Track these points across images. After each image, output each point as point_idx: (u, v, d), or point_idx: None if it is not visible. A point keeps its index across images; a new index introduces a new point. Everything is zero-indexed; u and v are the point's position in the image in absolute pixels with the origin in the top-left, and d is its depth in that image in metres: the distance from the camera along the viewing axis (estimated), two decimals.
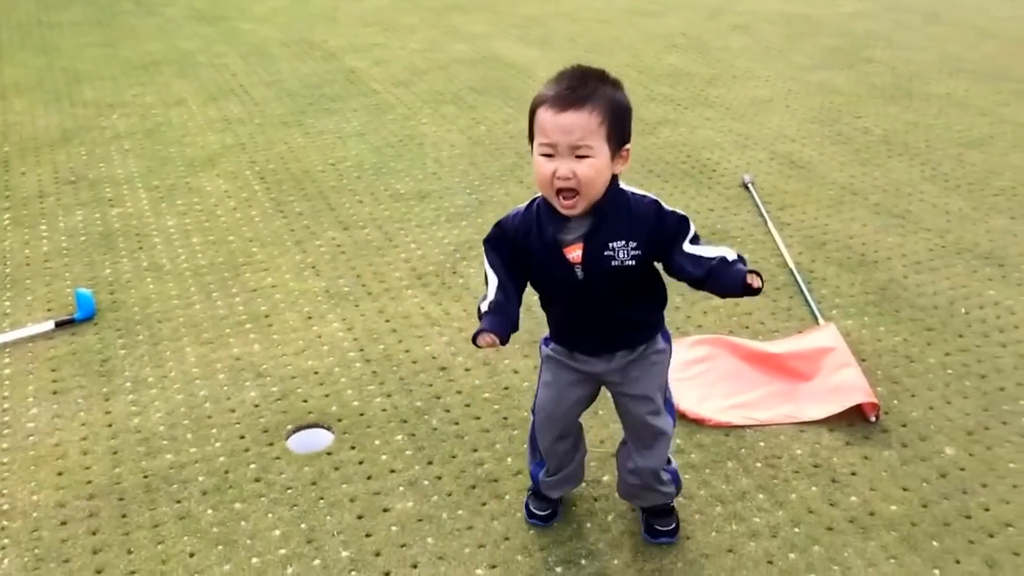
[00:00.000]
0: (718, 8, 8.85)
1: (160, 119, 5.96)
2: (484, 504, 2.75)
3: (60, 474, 2.88)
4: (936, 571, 2.51)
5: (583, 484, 2.79)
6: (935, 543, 2.60)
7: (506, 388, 3.26)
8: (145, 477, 2.85)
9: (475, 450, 2.97)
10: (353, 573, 2.51)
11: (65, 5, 9.35)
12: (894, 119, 5.75)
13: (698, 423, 3.07)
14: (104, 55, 7.50)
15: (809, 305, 3.72)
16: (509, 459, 2.92)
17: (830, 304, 3.74)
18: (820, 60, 7.06)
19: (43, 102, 6.31)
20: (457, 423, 3.09)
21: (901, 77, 6.59)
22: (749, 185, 4.80)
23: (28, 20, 8.76)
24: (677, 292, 3.80)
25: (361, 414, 3.14)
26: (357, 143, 5.53)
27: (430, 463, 2.91)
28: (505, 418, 3.11)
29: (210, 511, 2.72)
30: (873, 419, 3.06)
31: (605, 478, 2.83)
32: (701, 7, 8.92)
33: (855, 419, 3.07)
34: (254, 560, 2.55)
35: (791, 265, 4.01)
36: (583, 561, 2.55)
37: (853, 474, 2.85)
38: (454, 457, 2.94)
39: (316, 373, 3.34)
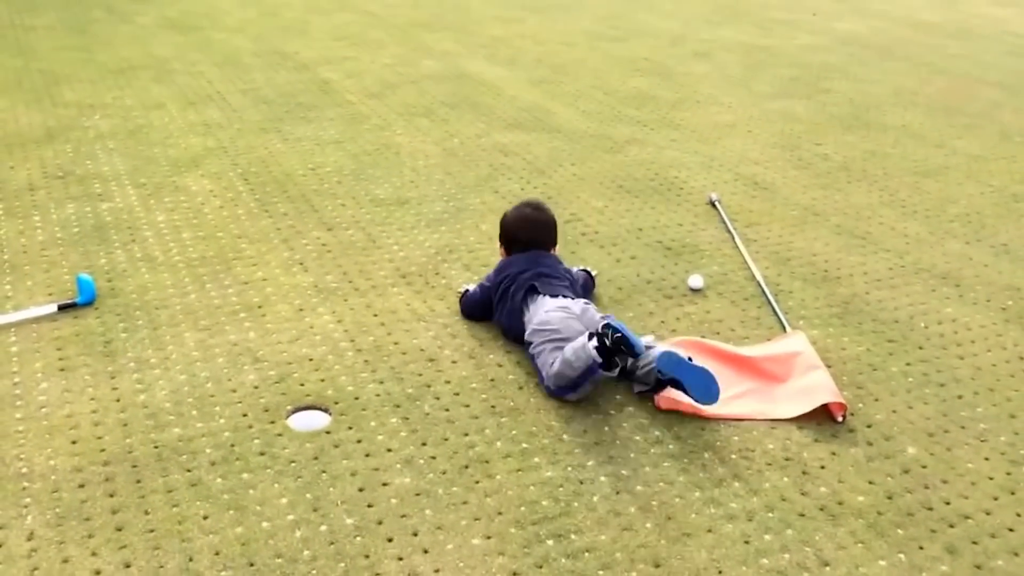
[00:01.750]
0: (679, 36, 9.18)
1: (141, 121, 6.08)
2: (477, 482, 2.93)
3: (74, 442, 3.01)
4: (901, 555, 2.73)
5: (568, 468, 2.99)
6: (900, 531, 2.82)
7: (492, 380, 3.44)
8: (156, 448, 3.00)
9: (466, 434, 3.15)
10: (358, 538, 2.67)
11: (38, 10, 9.41)
12: (852, 147, 6.06)
13: (676, 413, 3.28)
14: (80, 59, 7.59)
15: (777, 315, 3.96)
16: (499, 443, 3.10)
17: (796, 315, 3.98)
18: (780, 89, 7.39)
19: (24, 102, 6.39)
20: (447, 409, 3.27)
21: (858, 108, 6.93)
22: (716, 203, 5.05)
23: (1, 23, 8.81)
24: (651, 300, 4.04)
25: (356, 398, 3.30)
26: (335, 150, 5.70)
27: (424, 444, 3.09)
28: (493, 407, 3.29)
29: (220, 479, 2.87)
30: (840, 419, 3.29)
31: (590, 463, 3.03)
32: (662, 34, 9.24)
33: (823, 418, 3.29)
34: (264, 524, 2.70)
35: (759, 277, 4.25)
36: (572, 536, 2.73)
37: (822, 468, 3.07)
38: (446, 439, 3.12)
39: (311, 360, 3.50)
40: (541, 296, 3.59)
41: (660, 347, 3.33)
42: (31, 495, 2.78)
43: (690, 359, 3.24)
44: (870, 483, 3.01)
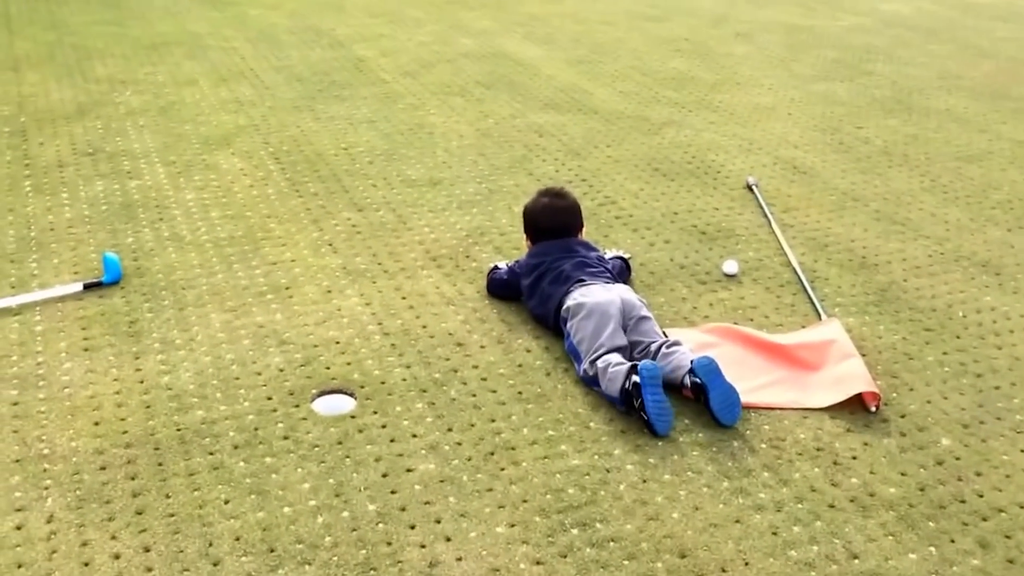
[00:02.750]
0: (721, 16, 9.07)
1: (173, 98, 6.11)
2: (503, 469, 2.91)
3: (97, 424, 3.03)
4: (932, 548, 2.69)
5: (595, 456, 2.97)
6: (931, 523, 2.78)
7: (520, 365, 3.42)
8: (178, 430, 3.01)
9: (492, 420, 3.13)
10: (380, 525, 2.67)
11: None
12: (894, 131, 5.96)
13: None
14: (113, 33, 7.63)
15: (812, 302, 3.90)
16: (525, 430, 3.09)
17: (832, 303, 3.92)
18: (821, 71, 7.28)
19: (55, 76, 6.44)
20: (474, 395, 3.26)
21: (901, 91, 6.81)
22: (753, 187, 4.99)
23: None
24: (684, 285, 4.00)
25: (382, 382, 3.30)
26: (368, 130, 5.68)
27: (450, 430, 3.08)
28: (520, 392, 3.28)
29: (242, 463, 2.88)
30: (873, 409, 3.25)
31: (616, 451, 3.00)
32: (704, 14, 9.14)
33: (856, 408, 3.25)
34: (286, 509, 2.71)
35: (794, 264, 4.19)
36: (598, 525, 2.71)
37: (854, 458, 3.03)
38: (472, 426, 3.10)
39: (337, 343, 3.50)
40: (581, 284, 3.56)
41: (686, 351, 3.30)
42: (52, 477, 2.80)
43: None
44: (902, 474, 2.97)
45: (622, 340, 3.36)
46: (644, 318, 3.46)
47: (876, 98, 6.64)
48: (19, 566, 2.49)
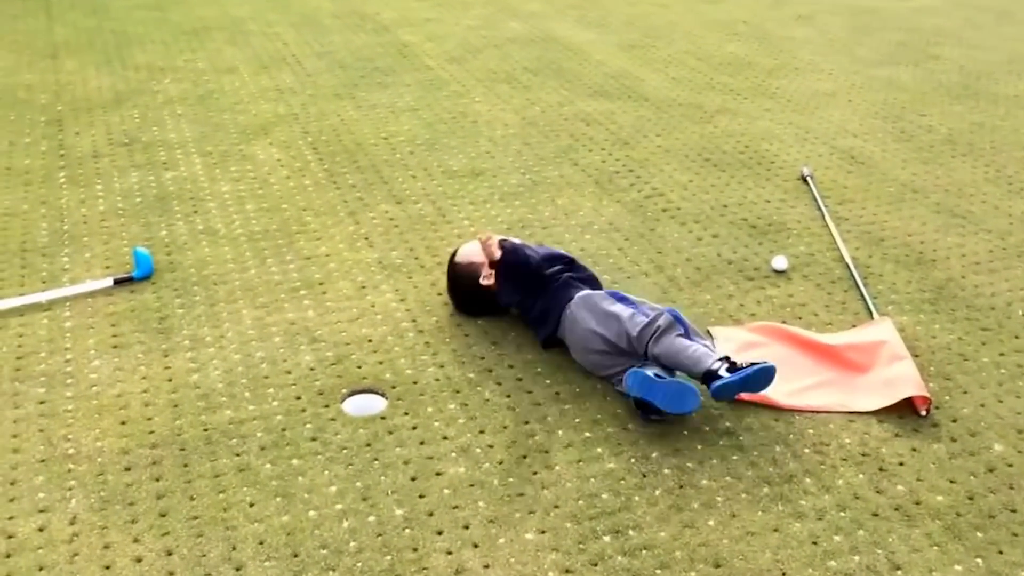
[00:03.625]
0: None
1: (212, 86, 6.19)
2: (535, 473, 2.93)
3: (123, 423, 3.09)
4: (979, 560, 2.66)
5: (632, 459, 2.97)
6: (979, 534, 2.75)
7: (557, 365, 3.43)
8: (205, 430, 3.07)
9: (526, 422, 3.15)
10: (407, 530, 2.70)
11: None
12: (959, 118, 5.86)
13: (749, 403, 3.23)
14: (154, 19, 7.75)
15: (864, 300, 3.86)
16: (560, 432, 3.10)
17: (885, 300, 3.88)
18: (885, 55, 7.17)
19: (94, 63, 6.56)
20: (509, 395, 3.27)
21: (969, 76, 6.69)
22: (808, 178, 4.94)
23: None
24: (731, 281, 3.98)
25: (414, 382, 3.33)
26: (410, 118, 5.71)
27: (482, 432, 3.10)
28: (557, 393, 3.29)
29: (268, 465, 2.92)
30: (924, 413, 3.21)
31: (654, 454, 3.00)
32: None
33: (905, 412, 3.21)
34: (311, 513, 2.75)
35: (847, 260, 4.15)
36: (631, 532, 2.72)
37: (901, 464, 3.00)
38: (505, 427, 3.12)
39: (370, 341, 3.54)
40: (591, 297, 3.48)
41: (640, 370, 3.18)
42: (76, 478, 2.87)
43: (658, 376, 3.09)
44: (951, 482, 2.93)
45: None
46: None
47: (942, 83, 6.53)
48: (40, 568, 2.56)
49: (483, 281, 3.66)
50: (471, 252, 3.73)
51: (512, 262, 3.61)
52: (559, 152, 5.26)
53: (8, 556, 2.60)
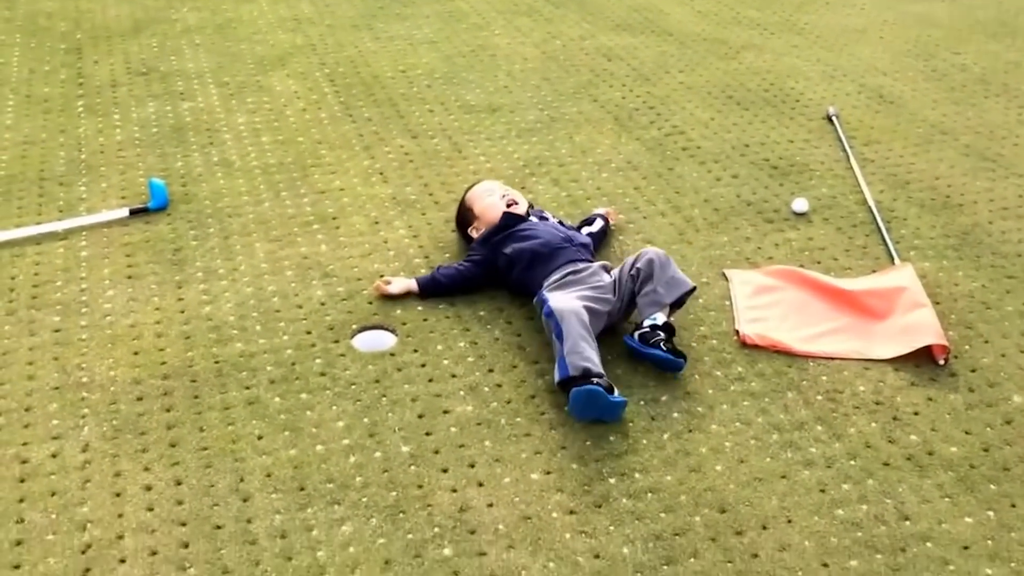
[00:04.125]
0: None
1: (231, 14, 6.15)
2: (543, 413, 2.95)
3: (136, 353, 3.14)
4: (990, 512, 2.66)
5: (641, 402, 2.99)
6: (992, 486, 2.75)
7: None
8: (216, 363, 3.10)
9: (536, 362, 3.16)
10: (413, 467, 2.73)
11: None
12: (995, 57, 5.76)
13: (763, 348, 3.23)
14: None
15: (886, 244, 3.83)
16: None
17: (908, 245, 3.85)
18: None
19: None
20: (519, 335, 3.29)
21: (1007, 12, 6.55)
22: (833, 118, 4.88)
23: None
24: (749, 223, 3.96)
25: (425, 319, 3.34)
26: (428, 51, 5.67)
27: (491, 371, 3.12)
28: None
29: (278, 399, 2.96)
30: (942, 362, 3.20)
31: (663, 398, 3.02)
32: None
33: (923, 360, 3.20)
34: (319, 447, 2.79)
35: (871, 203, 4.11)
36: (637, 475, 2.74)
37: (915, 414, 3.00)
38: (515, 367, 3.14)
39: (381, 276, 3.55)
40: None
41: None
42: (89, 406, 2.92)
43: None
44: (966, 433, 2.93)
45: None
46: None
47: (979, 20, 6.40)
48: (52, 494, 2.62)
49: (471, 232, 3.68)
50: (479, 195, 3.71)
51: (505, 243, 3.51)
52: (578, 88, 5.21)
53: (22, 481, 2.66)
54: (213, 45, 5.65)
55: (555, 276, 3.34)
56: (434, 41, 5.82)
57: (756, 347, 3.25)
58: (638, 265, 3.23)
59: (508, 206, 3.62)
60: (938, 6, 6.67)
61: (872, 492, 2.71)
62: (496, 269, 3.49)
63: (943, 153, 4.60)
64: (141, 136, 4.56)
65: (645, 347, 3.13)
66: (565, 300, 3.13)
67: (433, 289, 3.45)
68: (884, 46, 5.92)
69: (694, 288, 3.28)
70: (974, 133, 4.80)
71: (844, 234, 3.92)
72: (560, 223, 3.68)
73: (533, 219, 3.62)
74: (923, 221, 4.02)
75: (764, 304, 3.46)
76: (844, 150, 4.58)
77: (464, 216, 3.72)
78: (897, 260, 3.73)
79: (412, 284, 3.46)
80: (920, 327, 3.28)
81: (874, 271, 3.68)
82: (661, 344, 3.11)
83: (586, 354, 2.97)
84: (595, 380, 2.91)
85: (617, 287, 3.29)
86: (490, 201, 3.65)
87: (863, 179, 4.31)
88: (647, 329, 3.16)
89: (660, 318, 3.18)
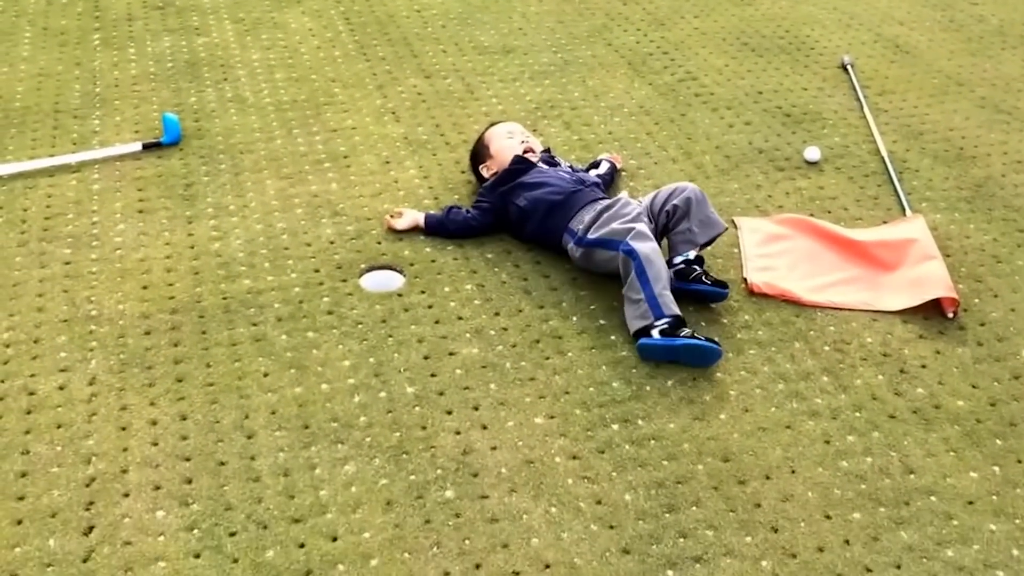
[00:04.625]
0: None
1: None
2: (547, 358, 2.88)
3: (145, 288, 3.07)
4: (996, 468, 2.59)
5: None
6: (999, 441, 2.68)
7: None
8: (224, 299, 3.03)
9: (541, 307, 3.09)
10: (417, 408, 2.67)
11: None
12: (1013, 8, 5.58)
13: (771, 297, 3.15)
14: None
15: (898, 195, 3.73)
16: (575, 318, 3.04)
17: (920, 196, 3.74)
18: None
19: None
20: (526, 279, 3.21)
21: None
22: (848, 67, 4.74)
23: None
24: (760, 171, 3.85)
25: (432, 260, 3.26)
26: None
27: (497, 314, 3.04)
28: (574, 279, 3.21)
29: (284, 336, 2.89)
30: (951, 315, 3.11)
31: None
32: None
33: (931, 313, 3.12)
34: (324, 386, 2.72)
35: (883, 153, 4.00)
36: (640, 422, 2.67)
37: (923, 367, 2.92)
38: (520, 311, 3.06)
39: (391, 217, 3.46)
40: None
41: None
42: (97, 339, 2.85)
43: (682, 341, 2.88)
44: (973, 387, 2.86)
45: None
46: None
47: None
48: (58, 426, 2.56)
49: (482, 170, 3.58)
50: (498, 134, 3.61)
51: (516, 188, 3.39)
52: (592, 31, 5.07)
53: (28, 412, 2.61)
54: None
55: (586, 217, 3.19)
56: None
57: (764, 296, 3.17)
58: (675, 202, 3.13)
59: (524, 152, 3.51)
60: None
61: (877, 444, 2.65)
62: (505, 217, 3.39)
63: (958, 104, 4.47)
64: (156, 70, 4.44)
65: (686, 283, 3.07)
66: (646, 241, 2.99)
67: (438, 231, 3.37)
68: None
69: (725, 228, 3.21)
70: (990, 85, 4.66)
71: (856, 184, 3.81)
72: (571, 167, 3.57)
73: (542, 165, 3.50)
74: (936, 173, 3.91)
75: (773, 253, 3.37)
76: (858, 99, 4.45)
77: (479, 152, 3.63)
78: (909, 211, 3.62)
79: (420, 219, 3.38)
80: (930, 279, 3.19)
81: (885, 222, 3.58)
82: (703, 278, 3.07)
83: (672, 299, 2.93)
84: (686, 330, 2.87)
85: (649, 217, 3.19)
86: (507, 143, 3.55)
87: (876, 129, 4.18)
88: (681, 265, 3.11)
89: (692, 254, 3.13)
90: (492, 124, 3.71)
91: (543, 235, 3.33)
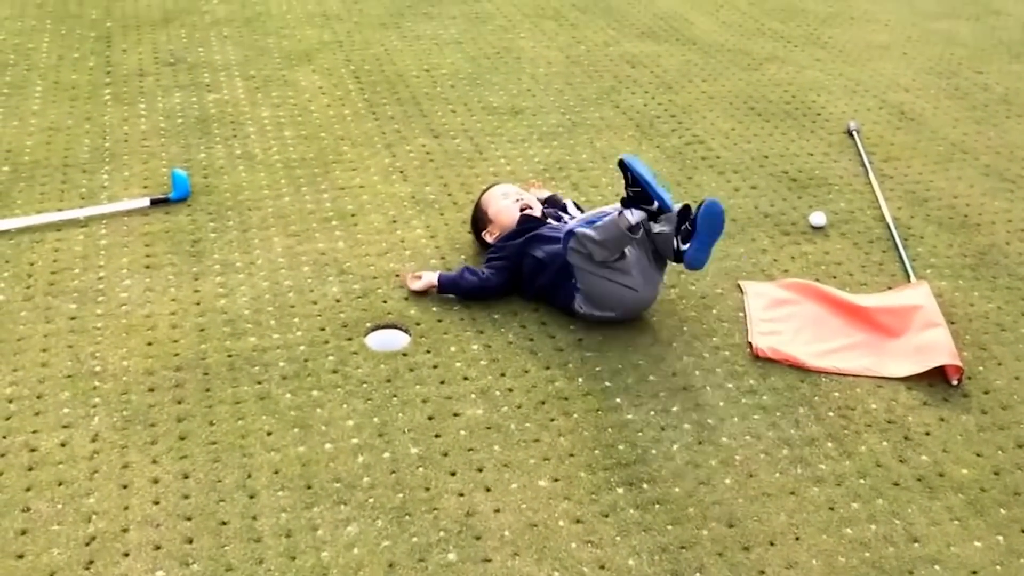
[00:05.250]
0: None
1: (260, 8, 6.10)
2: (552, 420, 2.89)
3: (150, 344, 3.09)
4: (1000, 537, 2.59)
5: (651, 412, 2.92)
6: (1003, 510, 2.68)
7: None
8: (229, 356, 3.05)
9: (547, 367, 3.10)
10: (420, 469, 2.67)
11: None
12: (1017, 78, 5.66)
13: (776, 362, 3.17)
14: None
15: (903, 261, 3.75)
16: (581, 379, 3.05)
17: (924, 263, 3.77)
18: (946, 8, 6.92)
19: None
20: (532, 339, 3.23)
21: None
22: (854, 133, 4.80)
23: None
24: (766, 235, 3.89)
25: (439, 320, 3.29)
26: (453, 51, 5.61)
27: (503, 375, 3.06)
28: (580, 340, 3.23)
29: (289, 395, 2.91)
30: (955, 382, 3.12)
31: (674, 408, 2.95)
32: None
33: (936, 380, 3.13)
34: (327, 446, 2.73)
35: (888, 219, 4.03)
36: (645, 485, 2.68)
37: (927, 434, 2.92)
38: (527, 371, 3.08)
39: (397, 276, 3.49)
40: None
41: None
42: (101, 395, 2.87)
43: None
44: (977, 455, 2.86)
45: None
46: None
47: (1003, 40, 6.30)
48: (59, 483, 2.57)
49: (485, 236, 3.61)
50: (494, 197, 3.63)
51: (524, 243, 3.45)
52: (601, 93, 5.14)
53: (30, 469, 2.62)
54: (241, 38, 5.60)
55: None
56: (460, 42, 5.76)
57: (769, 360, 3.19)
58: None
59: (522, 210, 3.55)
60: (962, 25, 6.57)
61: (881, 512, 2.65)
62: (518, 274, 3.42)
63: (962, 172, 4.52)
64: (166, 126, 4.51)
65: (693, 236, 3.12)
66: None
67: (452, 291, 3.39)
68: (907, 63, 5.83)
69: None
70: (994, 153, 4.72)
71: (861, 249, 3.84)
72: (577, 206, 3.70)
73: (551, 221, 3.55)
74: (940, 239, 3.94)
75: (778, 317, 3.39)
76: (863, 165, 4.50)
77: (478, 218, 3.65)
78: (913, 277, 3.65)
79: (434, 279, 3.40)
80: (934, 346, 3.20)
81: (889, 288, 3.60)
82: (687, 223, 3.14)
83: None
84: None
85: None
86: (504, 204, 3.59)
87: (881, 195, 4.23)
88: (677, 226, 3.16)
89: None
90: (485, 190, 3.73)
91: (553, 289, 3.35)
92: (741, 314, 3.41)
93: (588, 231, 3.13)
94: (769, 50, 5.90)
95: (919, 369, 3.14)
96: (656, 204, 3.08)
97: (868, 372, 3.17)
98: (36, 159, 4.19)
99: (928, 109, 5.18)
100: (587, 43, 5.84)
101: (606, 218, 3.13)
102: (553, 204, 3.73)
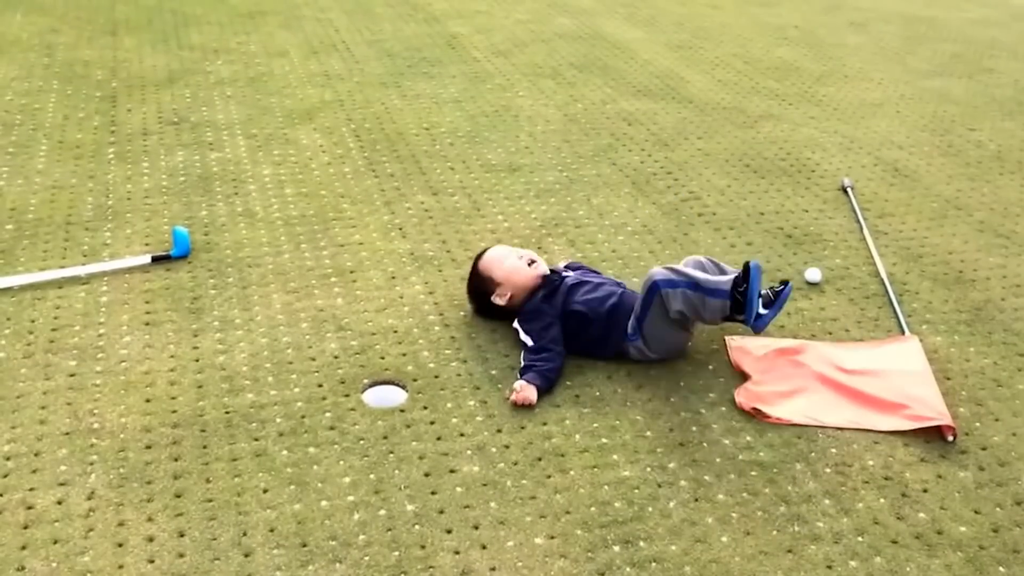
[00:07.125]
0: (836, 3, 8.79)
1: (263, 68, 6.18)
2: (549, 477, 2.87)
3: (148, 401, 3.08)
4: None
5: (648, 469, 2.91)
6: (1002, 568, 2.65)
7: (579, 366, 3.37)
8: (227, 413, 3.04)
9: (544, 424, 3.09)
10: (416, 527, 2.65)
11: None
12: (1010, 135, 5.70)
13: (764, 419, 3.15)
14: (212, 0, 7.75)
15: (898, 317, 3.75)
16: (577, 436, 3.04)
17: (920, 319, 3.77)
18: (938, 66, 7.00)
19: (151, 42, 6.57)
20: None
21: (1023, 91, 6.51)
22: (848, 190, 4.82)
23: None
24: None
25: (436, 376, 3.28)
26: (453, 110, 5.66)
27: (499, 431, 3.05)
28: (577, 396, 3.23)
29: (285, 452, 2.89)
30: (951, 439, 3.10)
31: (671, 465, 2.94)
32: (818, 0, 8.87)
33: (932, 436, 3.11)
34: (323, 503, 2.71)
35: (883, 275, 4.04)
36: (641, 543, 2.65)
37: (925, 491, 2.90)
38: (523, 428, 3.07)
39: (395, 332, 3.50)
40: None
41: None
42: (98, 452, 2.86)
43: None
44: (976, 512, 2.84)
45: None
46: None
47: (995, 98, 6.36)
48: (55, 542, 2.55)
49: (496, 299, 3.55)
50: (496, 260, 3.57)
51: (553, 302, 3.48)
52: (598, 151, 5.18)
53: (25, 527, 2.60)
54: (244, 97, 5.66)
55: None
56: (459, 100, 5.81)
57: (765, 419, 3.17)
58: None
59: (529, 264, 3.56)
60: (955, 83, 6.63)
61: (879, 570, 2.62)
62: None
63: (957, 228, 4.53)
64: (169, 184, 4.54)
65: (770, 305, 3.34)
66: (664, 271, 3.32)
67: (551, 381, 3.26)
68: (900, 120, 5.88)
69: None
70: (988, 209, 4.74)
71: (856, 305, 3.84)
72: (591, 270, 3.80)
73: (569, 272, 3.65)
74: (935, 295, 3.95)
75: (769, 379, 3.37)
76: (858, 222, 4.52)
77: (483, 286, 3.56)
78: (907, 333, 3.64)
79: (533, 387, 3.19)
80: (922, 403, 3.19)
81: (882, 340, 3.59)
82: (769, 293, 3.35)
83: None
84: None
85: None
86: (511, 263, 3.55)
87: (876, 251, 4.24)
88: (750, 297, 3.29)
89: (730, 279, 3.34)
90: (479, 256, 3.64)
91: (603, 342, 3.41)
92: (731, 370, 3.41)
93: (692, 295, 3.27)
94: (764, 108, 5.96)
95: (907, 426, 3.12)
96: (743, 317, 3.27)
97: (854, 425, 3.15)
98: (40, 217, 4.22)
99: (922, 166, 5.21)
100: (584, 101, 5.90)
101: (715, 300, 3.27)
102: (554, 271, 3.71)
